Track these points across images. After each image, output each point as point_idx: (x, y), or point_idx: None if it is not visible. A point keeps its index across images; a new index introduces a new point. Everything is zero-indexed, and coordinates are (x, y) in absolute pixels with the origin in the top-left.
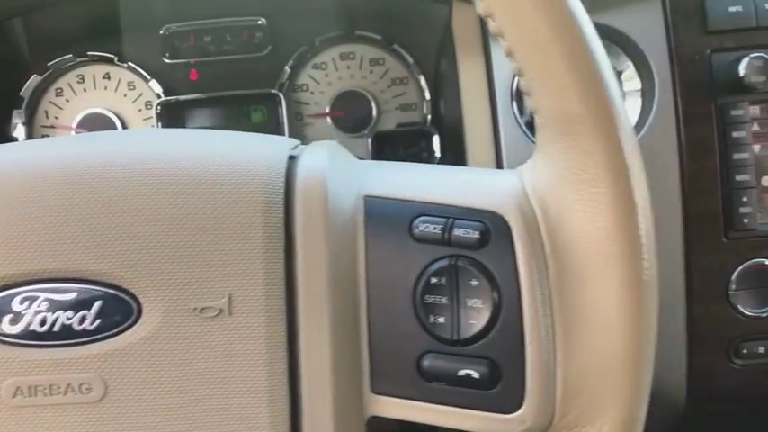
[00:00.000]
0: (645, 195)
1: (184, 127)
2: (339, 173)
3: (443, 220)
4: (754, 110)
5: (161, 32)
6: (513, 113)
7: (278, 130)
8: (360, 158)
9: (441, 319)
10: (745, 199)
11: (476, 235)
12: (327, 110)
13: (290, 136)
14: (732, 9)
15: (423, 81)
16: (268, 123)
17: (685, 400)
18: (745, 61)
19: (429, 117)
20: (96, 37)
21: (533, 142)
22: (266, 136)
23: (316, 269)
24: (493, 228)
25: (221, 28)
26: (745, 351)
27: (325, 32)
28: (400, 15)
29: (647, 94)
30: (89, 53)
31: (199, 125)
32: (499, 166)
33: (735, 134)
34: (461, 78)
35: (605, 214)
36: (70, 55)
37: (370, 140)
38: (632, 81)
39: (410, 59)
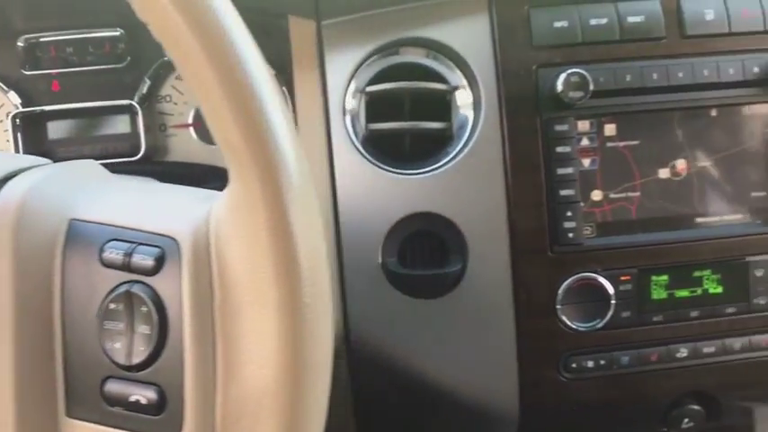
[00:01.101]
0: (308, 221)
1: (45, 138)
2: (44, 195)
3: (127, 245)
4: (584, 125)
5: (19, 44)
6: (346, 130)
7: (138, 141)
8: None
9: (117, 345)
10: (569, 214)
11: (151, 261)
12: (190, 120)
13: (154, 146)
14: (558, 24)
15: (286, 92)
16: (130, 134)
17: (518, 413)
18: (562, 77)
19: None
20: None
21: (367, 160)
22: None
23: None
24: (168, 253)
25: (83, 39)
26: (574, 365)
27: None
28: (259, 27)
29: (475, 107)
30: None
31: (60, 136)
32: (333, 183)
33: (559, 149)
34: (296, 92)
35: (262, 242)
36: None
37: None
38: (466, 94)
39: (274, 71)
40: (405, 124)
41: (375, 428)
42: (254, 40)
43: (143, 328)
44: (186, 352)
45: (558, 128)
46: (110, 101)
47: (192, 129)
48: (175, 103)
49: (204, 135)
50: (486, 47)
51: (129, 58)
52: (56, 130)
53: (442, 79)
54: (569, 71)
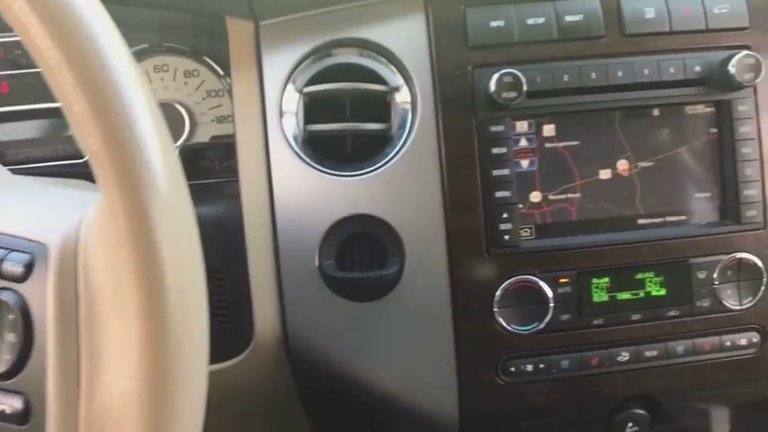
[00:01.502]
0: (176, 229)
1: None
2: None
3: (1, 251)
4: (522, 125)
5: None
6: (283, 131)
7: None
8: None
9: None
10: (505, 215)
11: (20, 267)
12: None
13: None
14: (494, 24)
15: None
16: None
17: (458, 417)
18: (495, 77)
19: None
20: None
21: (304, 161)
22: None
23: None
24: (38, 260)
25: None
26: (512, 369)
27: (134, 45)
28: (206, 28)
29: (413, 109)
30: None
31: (10, 138)
32: (270, 184)
33: (495, 150)
34: (234, 94)
35: (123, 250)
36: None
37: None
38: (405, 95)
39: (221, 71)
40: (343, 126)
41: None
42: (198, 41)
43: (10, 336)
44: (49, 361)
45: (494, 129)
46: (58, 103)
47: None
48: None
49: None
50: (422, 47)
51: None
52: (6, 132)
53: (382, 80)
54: (502, 71)
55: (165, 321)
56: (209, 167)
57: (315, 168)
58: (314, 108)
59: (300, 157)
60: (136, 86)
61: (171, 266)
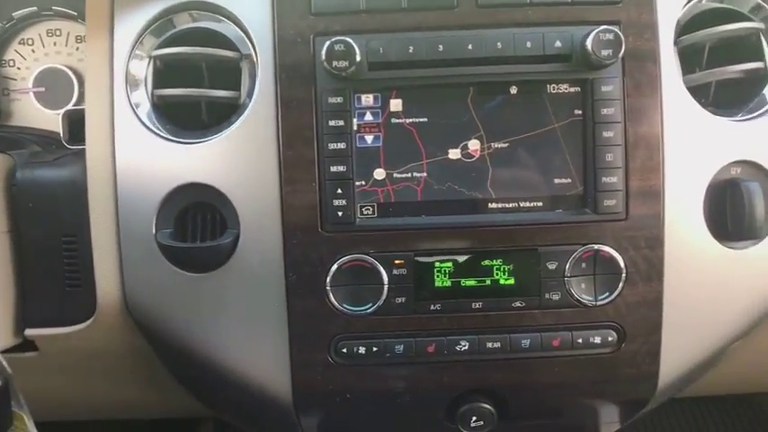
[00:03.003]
0: None
1: None
2: None
3: None
4: (367, 98)
5: None
6: (128, 96)
7: None
8: None
9: None
10: (340, 191)
11: None
12: (30, 85)
13: None
14: None
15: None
16: None
17: (291, 395)
18: (325, 45)
19: None
20: None
21: (146, 127)
22: None
23: None
24: None
25: None
26: (344, 350)
27: (22, 7)
28: None
29: (254, 76)
30: None
31: None
32: (113, 150)
33: (332, 123)
34: (87, 59)
35: None
36: None
37: (60, 118)
38: (252, 62)
39: None
40: (190, 91)
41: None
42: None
43: None
44: None
45: (332, 100)
46: None
47: (31, 93)
48: (18, 68)
49: (43, 100)
50: (266, 13)
51: None
52: None
53: (235, 47)
54: (333, 39)
55: None
56: None
57: (156, 135)
58: (170, 75)
59: (143, 124)
60: None
61: None
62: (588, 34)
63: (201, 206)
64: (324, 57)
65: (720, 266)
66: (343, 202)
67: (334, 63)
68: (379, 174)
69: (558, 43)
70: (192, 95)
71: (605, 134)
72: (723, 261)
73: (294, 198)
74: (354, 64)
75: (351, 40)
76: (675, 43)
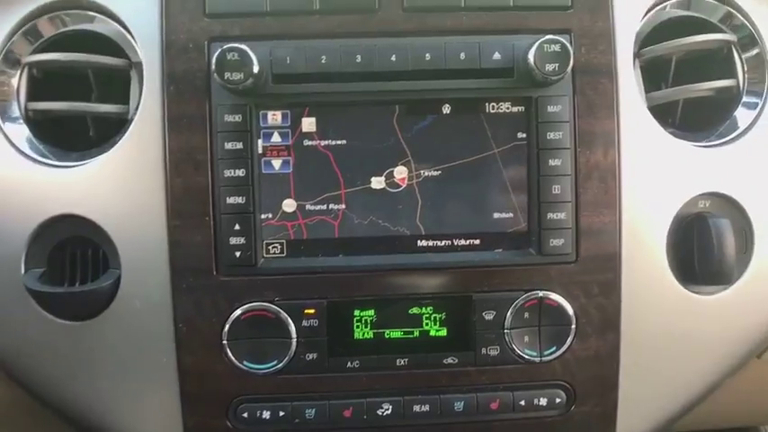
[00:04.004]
0: None
1: None
2: None
3: None
4: (275, 116)
5: None
6: None
7: None
8: None
9: None
10: (238, 227)
11: None
12: None
13: None
14: None
15: None
16: None
17: None
18: (216, 53)
19: None
20: None
21: (14, 148)
22: None
23: None
24: None
25: None
26: (245, 414)
27: None
28: None
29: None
30: None
31: None
32: None
33: (228, 145)
34: None
35: None
36: None
37: None
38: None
39: None
40: (69, 105)
41: None
42: None
43: None
44: None
45: (229, 118)
46: None
47: None
48: None
49: None
50: (154, 13)
51: None
52: None
53: (124, 53)
54: (226, 46)
55: None
56: None
57: (26, 157)
58: (53, 85)
59: (11, 143)
60: None
61: None
62: (531, 45)
63: (82, 240)
64: (214, 67)
65: (686, 315)
66: (242, 240)
67: (227, 75)
68: (289, 205)
69: (496, 55)
70: (72, 110)
71: (552, 162)
72: (689, 309)
73: (183, 235)
74: (252, 76)
75: (247, 48)
76: (636, 56)
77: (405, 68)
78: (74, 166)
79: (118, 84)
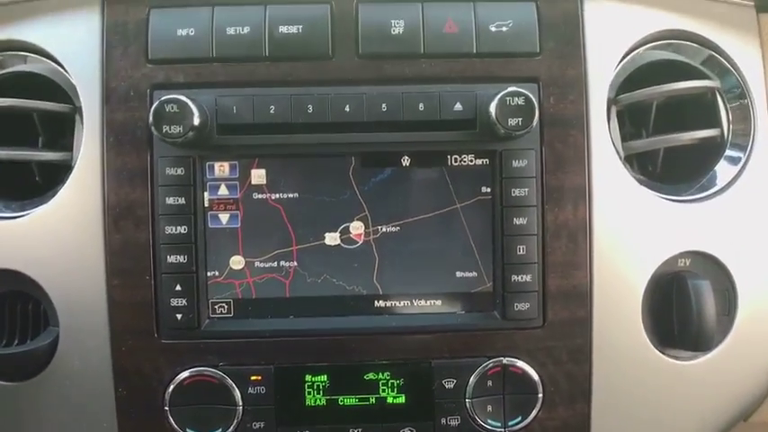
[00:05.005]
0: None
1: None
2: None
3: None
4: (222, 168)
5: None
6: None
7: None
8: None
9: None
10: (179, 288)
11: None
12: None
13: None
14: (182, 32)
15: None
16: None
17: None
18: (154, 105)
19: None
20: None
21: None
22: None
23: None
24: None
25: None
26: None
27: None
28: None
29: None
30: None
31: None
32: None
33: (170, 200)
34: None
35: None
36: None
37: None
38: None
39: None
40: (10, 153)
41: None
42: None
43: None
44: None
45: (171, 171)
46: None
47: None
48: None
49: None
50: (94, 58)
51: None
52: None
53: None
54: (164, 98)
55: None
56: None
57: None
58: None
59: None
60: None
61: None
62: (493, 98)
63: (21, 296)
64: (152, 119)
65: (663, 382)
66: (184, 301)
67: (165, 128)
68: (237, 262)
69: (458, 106)
70: (14, 158)
71: (516, 221)
72: (666, 375)
73: (123, 294)
74: (192, 129)
75: (186, 99)
76: (613, 102)
77: (360, 120)
78: (13, 218)
79: (70, 125)
